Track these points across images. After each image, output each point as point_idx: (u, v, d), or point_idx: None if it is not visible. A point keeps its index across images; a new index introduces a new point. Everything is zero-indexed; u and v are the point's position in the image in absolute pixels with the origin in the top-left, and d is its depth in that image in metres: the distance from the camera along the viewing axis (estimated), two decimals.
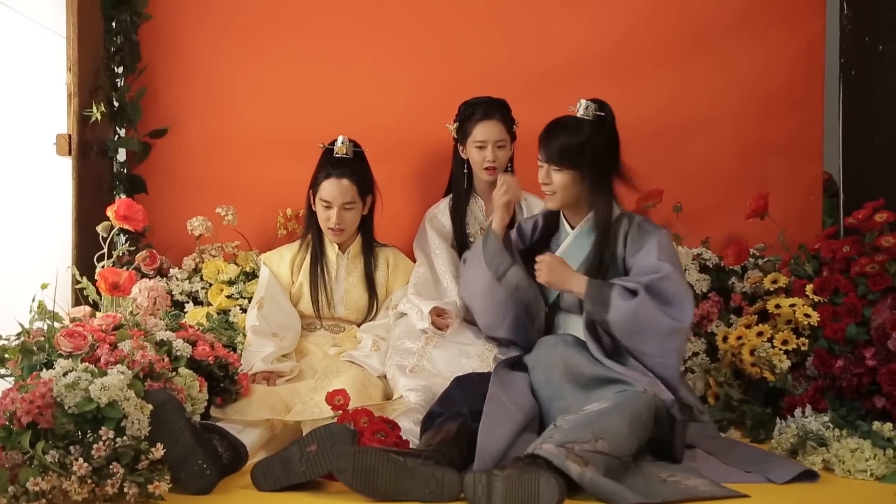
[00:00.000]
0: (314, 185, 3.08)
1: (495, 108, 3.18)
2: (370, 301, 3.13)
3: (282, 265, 3.15)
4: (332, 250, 3.14)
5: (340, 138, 3.09)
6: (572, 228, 2.80)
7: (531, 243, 2.88)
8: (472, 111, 3.18)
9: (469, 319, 3.05)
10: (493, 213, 2.85)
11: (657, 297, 2.59)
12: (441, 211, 3.29)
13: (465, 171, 3.24)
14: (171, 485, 2.14)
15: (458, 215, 3.24)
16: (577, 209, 2.78)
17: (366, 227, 3.15)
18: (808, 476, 2.40)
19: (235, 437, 2.49)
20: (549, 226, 2.86)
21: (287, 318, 3.08)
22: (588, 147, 2.68)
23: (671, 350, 2.60)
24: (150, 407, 2.19)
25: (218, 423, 2.53)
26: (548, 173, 2.72)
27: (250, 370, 2.83)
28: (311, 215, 3.13)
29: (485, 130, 3.16)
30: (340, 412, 2.48)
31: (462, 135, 3.20)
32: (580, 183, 2.72)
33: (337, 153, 3.07)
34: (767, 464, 2.47)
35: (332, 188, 3.03)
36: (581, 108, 2.73)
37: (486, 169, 3.18)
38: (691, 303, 2.64)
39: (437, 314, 2.98)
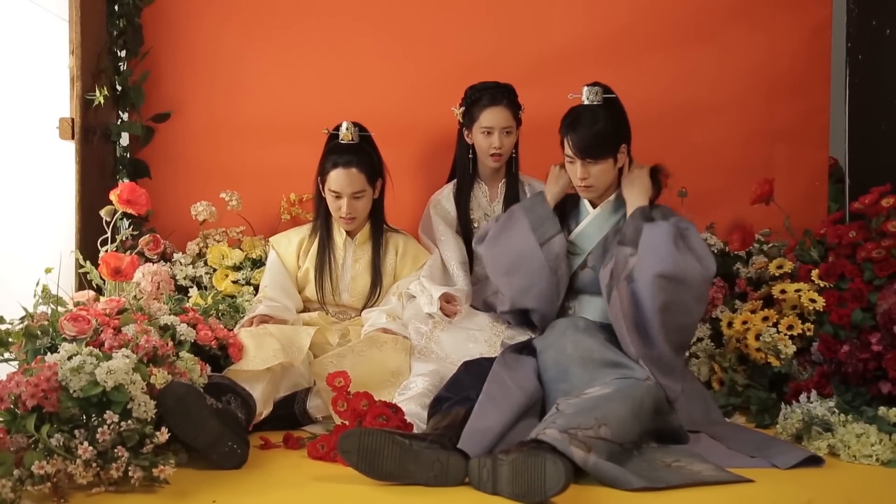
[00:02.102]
0: (322, 174, 3.04)
1: (502, 94, 3.16)
2: (373, 287, 3.11)
3: (289, 249, 3.13)
4: (339, 237, 3.12)
5: (345, 124, 3.04)
6: (594, 208, 2.83)
7: None
8: (479, 96, 3.16)
9: (476, 306, 3.05)
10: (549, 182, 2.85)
11: (684, 241, 2.63)
12: (445, 197, 3.27)
13: (471, 156, 3.22)
14: (173, 461, 2.15)
15: (463, 201, 3.23)
16: (605, 192, 2.82)
17: (376, 211, 3.11)
18: (813, 461, 2.40)
19: (242, 387, 2.53)
20: (568, 206, 2.87)
21: (290, 312, 3.05)
22: (615, 132, 2.73)
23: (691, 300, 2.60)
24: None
25: (225, 376, 2.57)
26: (583, 168, 2.73)
27: (251, 315, 2.86)
28: (320, 201, 3.09)
29: (492, 116, 3.13)
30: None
31: (468, 119, 3.18)
32: (613, 168, 2.76)
33: (342, 139, 3.02)
34: (772, 449, 2.46)
35: (340, 179, 2.98)
36: (591, 95, 2.75)
37: (492, 155, 3.16)
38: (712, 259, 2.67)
39: (447, 300, 2.97)
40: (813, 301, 2.97)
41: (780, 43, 3.60)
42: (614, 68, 3.39)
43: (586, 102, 2.75)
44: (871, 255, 3.02)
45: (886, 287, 2.88)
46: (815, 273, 3.06)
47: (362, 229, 3.12)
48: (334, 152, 3.01)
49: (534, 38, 3.56)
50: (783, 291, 3.03)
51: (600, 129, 2.71)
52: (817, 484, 2.23)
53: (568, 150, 2.74)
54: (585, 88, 2.77)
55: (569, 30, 3.57)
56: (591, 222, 2.83)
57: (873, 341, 2.72)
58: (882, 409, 2.55)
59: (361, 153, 3.01)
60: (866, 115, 3.53)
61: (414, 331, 2.92)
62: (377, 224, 3.13)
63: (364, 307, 3.11)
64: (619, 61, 3.51)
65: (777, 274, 3.15)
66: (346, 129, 3.03)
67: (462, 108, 3.20)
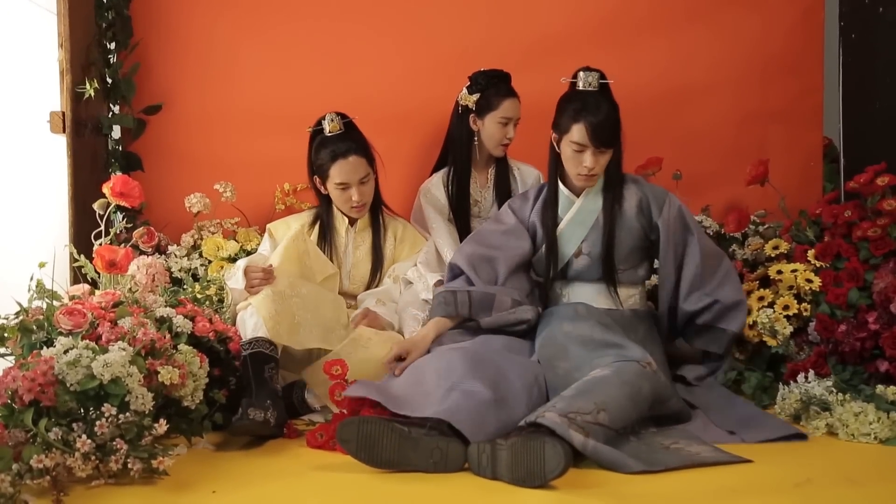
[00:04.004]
0: (320, 172, 3.00)
1: (511, 84, 3.16)
2: (374, 270, 3.09)
3: (287, 234, 3.08)
4: (341, 225, 3.09)
5: (328, 116, 3.00)
6: (576, 195, 2.80)
7: (541, 219, 2.84)
8: (498, 84, 3.13)
9: None
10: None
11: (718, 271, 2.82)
12: (434, 185, 3.25)
13: (475, 142, 3.20)
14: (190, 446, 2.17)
15: (463, 186, 3.21)
16: None
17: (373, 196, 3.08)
18: (797, 437, 2.44)
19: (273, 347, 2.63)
20: (550, 198, 2.84)
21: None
22: (618, 119, 2.70)
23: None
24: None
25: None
26: (594, 157, 2.69)
27: (238, 293, 2.79)
28: (320, 196, 3.07)
29: (512, 107, 3.14)
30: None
31: (484, 106, 3.14)
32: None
33: (330, 132, 2.98)
34: (751, 423, 2.50)
35: (344, 169, 2.95)
36: (590, 80, 2.71)
37: (503, 145, 3.17)
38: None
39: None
40: (809, 281, 2.97)
41: (772, 24, 3.59)
42: (607, 52, 3.38)
43: (586, 88, 2.71)
44: (866, 234, 3.02)
45: (883, 266, 2.89)
46: (811, 253, 3.06)
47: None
48: (327, 146, 2.98)
49: (526, 23, 3.54)
50: (779, 272, 3.03)
51: (613, 116, 2.69)
52: (816, 463, 2.23)
53: (580, 139, 2.67)
54: (582, 73, 2.72)
55: (561, 14, 3.55)
56: (581, 210, 2.80)
57: (870, 320, 2.73)
58: (880, 388, 2.56)
59: (354, 139, 2.99)
60: (860, 95, 3.54)
61: (410, 317, 2.92)
62: (375, 209, 3.11)
63: (366, 290, 3.11)
64: (612, 45, 3.50)
65: (773, 255, 3.15)
66: (331, 120, 2.99)
67: (476, 95, 3.15)
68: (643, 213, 2.79)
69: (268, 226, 3.17)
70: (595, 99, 2.69)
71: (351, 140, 2.98)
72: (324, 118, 3.01)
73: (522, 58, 3.43)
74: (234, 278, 2.82)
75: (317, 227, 3.10)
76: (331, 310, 2.85)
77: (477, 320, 2.70)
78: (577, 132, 2.68)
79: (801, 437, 2.45)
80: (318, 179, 3.03)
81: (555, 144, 2.77)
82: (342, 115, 3.02)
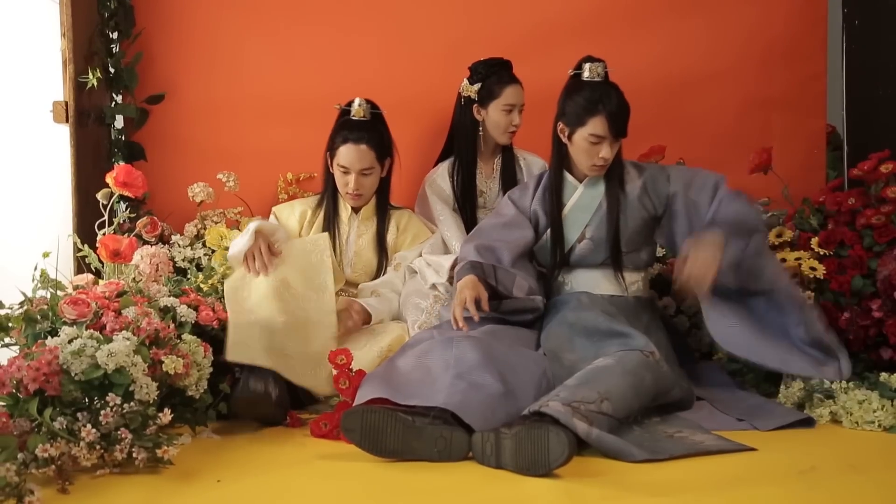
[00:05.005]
0: (331, 149, 3.02)
1: (512, 71, 3.15)
2: (379, 263, 3.10)
3: (291, 218, 3.12)
4: (345, 211, 3.11)
5: (357, 100, 3.02)
6: (579, 181, 2.81)
7: (543, 207, 2.84)
8: (499, 72, 3.13)
9: None
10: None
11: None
12: (440, 175, 3.25)
13: (481, 132, 3.20)
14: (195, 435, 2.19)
15: (468, 177, 3.20)
16: None
17: (382, 189, 3.10)
18: (804, 423, 2.44)
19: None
20: (554, 185, 2.84)
21: (281, 231, 2.95)
22: (629, 106, 2.70)
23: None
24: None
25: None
26: (611, 147, 2.70)
27: (238, 251, 2.76)
28: (329, 176, 3.08)
29: (515, 93, 3.13)
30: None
31: (486, 95, 3.14)
32: None
33: (354, 116, 3.00)
34: (760, 411, 2.51)
35: (349, 154, 2.97)
36: (598, 70, 2.70)
37: (510, 132, 3.16)
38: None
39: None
40: (813, 269, 2.97)
41: (775, 9, 3.58)
42: (608, 39, 3.38)
43: (594, 78, 2.70)
44: (870, 222, 3.01)
45: (886, 253, 2.89)
46: (814, 241, 3.06)
47: (367, 205, 3.11)
48: (345, 128, 3.00)
49: (525, 12, 3.53)
50: (783, 260, 3.03)
51: (625, 104, 2.69)
52: (820, 451, 2.24)
53: (600, 131, 2.66)
54: (588, 64, 2.71)
55: (561, 3, 3.53)
56: (584, 195, 2.80)
57: (874, 308, 2.73)
58: (883, 376, 2.56)
59: (372, 130, 3.00)
60: (864, 82, 3.52)
61: (413, 307, 2.92)
62: (382, 202, 3.12)
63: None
64: (613, 32, 3.49)
65: (776, 243, 3.15)
66: (359, 105, 3.02)
67: (477, 85, 3.15)
68: (647, 193, 2.78)
69: (273, 208, 3.19)
70: (606, 89, 2.69)
71: (369, 130, 2.99)
72: (354, 101, 3.03)
73: (522, 46, 3.42)
74: (242, 238, 2.80)
75: (321, 213, 3.11)
76: (314, 341, 2.71)
77: (499, 294, 2.68)
78: (597, 124, 2.67)
79: (810, 421, 2.46)
80: (329, 156, 3.04)
81: (561, 136, 2.77)
82: (373, 105, 3.04)
